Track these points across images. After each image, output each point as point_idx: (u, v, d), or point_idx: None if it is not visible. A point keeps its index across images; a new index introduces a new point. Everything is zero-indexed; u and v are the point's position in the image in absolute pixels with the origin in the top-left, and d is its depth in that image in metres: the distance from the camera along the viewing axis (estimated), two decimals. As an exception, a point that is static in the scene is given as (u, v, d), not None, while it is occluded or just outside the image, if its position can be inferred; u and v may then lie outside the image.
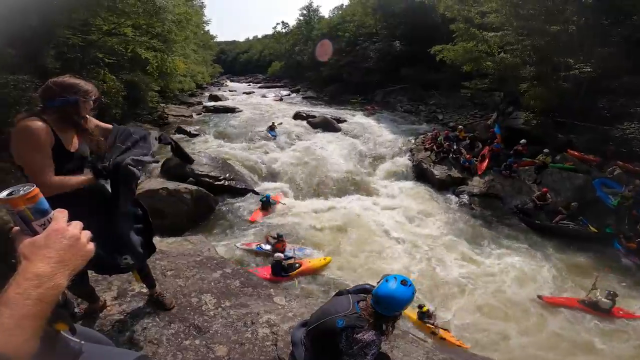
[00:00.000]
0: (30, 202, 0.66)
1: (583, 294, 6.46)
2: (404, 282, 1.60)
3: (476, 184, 11.01)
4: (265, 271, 6.56)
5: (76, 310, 2.16)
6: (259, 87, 44.10)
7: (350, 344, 1.53)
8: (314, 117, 18.45)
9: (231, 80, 58.80)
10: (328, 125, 17.09)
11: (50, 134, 1.44)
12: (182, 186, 8.58)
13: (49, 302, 0.58)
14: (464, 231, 8.83)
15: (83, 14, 11.68)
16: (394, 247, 7.90)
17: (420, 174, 11.96)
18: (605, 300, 6.04)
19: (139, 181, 1.84)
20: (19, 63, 9.24)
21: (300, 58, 41.97)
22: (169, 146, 2.09)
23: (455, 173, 11.52)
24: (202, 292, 2.61)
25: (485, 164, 11.53)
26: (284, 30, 51.26)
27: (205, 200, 8.94)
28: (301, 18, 45.34)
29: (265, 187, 10.47)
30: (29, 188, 0.66)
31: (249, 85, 49.86)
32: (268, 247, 7.31)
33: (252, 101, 28.19)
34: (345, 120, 19.26)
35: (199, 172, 9.67)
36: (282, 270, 6.57)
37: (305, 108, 23.40)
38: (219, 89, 38.98)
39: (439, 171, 11.50)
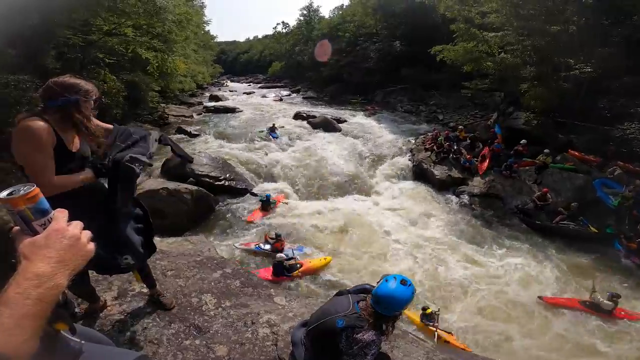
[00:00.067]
0: (30, 202, 0.66)
1: (585, 294, 6.43)
2: (404, 281, 1.60)
3: (476, 184, 11.00)
4: (267, 272, 6.54)
5: (76, 310, 2.16)
6: (260, 88, 44.15)
7: (350, 344, 1.53)
8: (314, 117, 18.47)
9: (231, 81, 58.91)
10: (328, 126, 17.10)
11: (51, 134, 1.44)
12: (182, 186, 8.59)
13: (49, 302, 0.58)
14: (465, 232, 8.82)
15: (83, 14, 11.70)
16: (394, 247, 7.89)
17: (420, 174, 11.95)
18: (608, 302, 6.01)
19: (138, 180, 1.83)
20: (19, 63, 9.26)
21: (300, 58, 41.99)
22: (169, 147, 2.09)
23: (455, 173, 11.52)
24: (203, 292, 2.62)
25: (486, 164, 11.52)
26: (284, 31, 51.31)
27: (206, 201, 8.95)
28: (301, 18, 45.41)
29: (266, 187, 10.48)
30: (29, 188, 0.66)
31: (250, 85, 49.92)
32: (267, 247, 7.31)
33: (252, 101, 28.23)
34: (346, 121, 19.29)
35: (199, 172, 9.68)
36: (285, 271, 6.57)
37: (305, 108, 23.41)
38: (220, 89, 39.06)
39: (439, 171, 11.50)
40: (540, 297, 6.41)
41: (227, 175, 10.15)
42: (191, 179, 9.44)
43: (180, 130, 15.59)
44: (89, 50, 12.79)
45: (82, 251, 0.67)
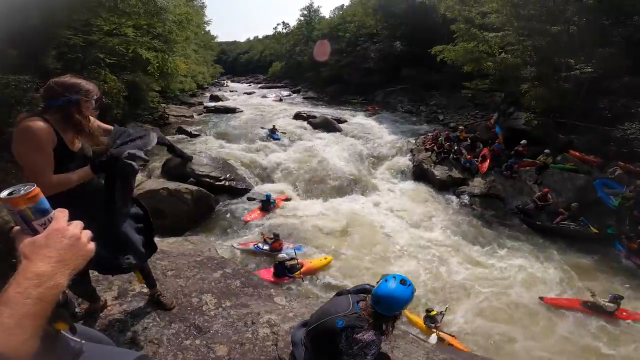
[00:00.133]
0: (30, 201, 0.66)
1: (586, 295, 6.38)
2: (403, 281, 1.60)
3: (477, 184, 11.00)
4: (267, 273, 6.51)
5: (77, 309, 2.15)
6: (260, 88, 44.16)
7: (350, 344, 1.53)
8: (314, 117, 18.47)
9: (232, 81, 58.94)
10: (329, 126, 17.09)
11: (52, 134, 1.45)
12: (182, 186, 8.59)
13: (49, 301, 0.58)
14: (466, 232, 8.81)
15: (84, 14, 11.71)
16: (395, 247, 7.89)
17: (421, 175, 11.95)
18: (610, 304, 5.98)
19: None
20: (20, 63, 9.26)
21: (300, 58, 42.02)
22: (166, 147, 2.08)
23: (456, 173, 11.52)
24: (203, 292, 2.62)
25: (487, 164, 11.52)
26: (284, 31, 51.36)
27: (206, 201, 8.95)
28: (302, 18, 45.45)
29: (266, 187, 10.47)
30: (30, 188, 0.67)
31: (250, 85, 49.94)
32: (266, 247, 7.31)
33: (252, 102, 28.23)
34: (346, 121, 19.28)
35: (200, 173, 9.68)
36: (286, 271, 6.55)
37: (305, 108, 23.41)
38: (220, 90, 39.07)
39: (439, 172, 11.50)
40: (541, 298, 6.39)
41: (228, 175, 10.15)
42: (191, 179, 9.44)
43: (181, 131, 15.58)
44: (89, 51, 12.79)
45: (83, 251, 0.67)
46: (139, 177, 9.83)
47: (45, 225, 0.67)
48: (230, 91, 38.48)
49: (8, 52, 9.17)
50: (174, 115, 19.55)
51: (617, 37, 11.03)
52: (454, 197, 10.69)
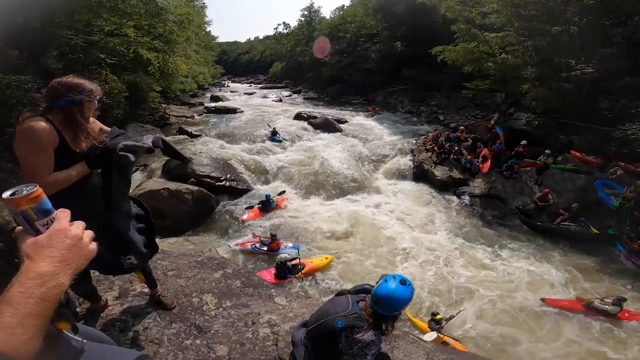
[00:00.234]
0: (33, 202, 0.67)
1: (588, 296, 6.37)
2: (403, 281, 1.60)
3: (477, 184, 11.00)
4: (269, 273, 6.48)
5: (78, 309, 2.17)
6: (260, 88, 44.21)
7: (350, 344, 1.53)
8: (315, 117, 18.49)
9: (232, 81, 59.03)
10: (329, 126, 17.11)
11: (53, 134, 1.45)
12: (183, 187, 8.60)
13: (52, 301, 0.58)
14: (467, 233, 8.80)
15: (85, 15, 11.74)
16: (395, 248, 7.88)
17: (421, 175, 11.95)
18: (612, 306, 5.95)
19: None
20: (21, 63, 9.28)
21: (301, 59, 42.02)
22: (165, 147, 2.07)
23: (456, 174, 11.51)
24: (203, 292, 2.62)
25: (487, 164, 11.51)
26: (285, 31, 51.27)
27: (207, 201, 8.96)
28: (302, 19, 45.45)
29: (267, 187, 10.49)
30: (32, 188, 0.67)
31: (250, 86, 49.97)
32: (265, 247, 7.31)
33: (253, 102, 28.26)
34: (347, 121, 19.29)
35: (200, 173, 9.69)
36: (288, 272, 6.52)
37: (306, 109, 23.44)
38: (220, 90, 39.16)
39: (440, 172, 11.49)
40: (542, 299, 6.37)
41: (228, 175, 10.16)
42: (192, 179, 9.46)
43: (182, 131, 15.61)
44: (90, 51, 12.83)
45: (84, 251, 0.67)
46: (140, 177, 9.85)
47: (47, 225, 0.67)
48: (231, 91, 38.54)
49: (9, 52, 9.19)
50: (174, 116, 19.59)
51: (618, 38, 11.01)
52: (454, 198, 10.68)
